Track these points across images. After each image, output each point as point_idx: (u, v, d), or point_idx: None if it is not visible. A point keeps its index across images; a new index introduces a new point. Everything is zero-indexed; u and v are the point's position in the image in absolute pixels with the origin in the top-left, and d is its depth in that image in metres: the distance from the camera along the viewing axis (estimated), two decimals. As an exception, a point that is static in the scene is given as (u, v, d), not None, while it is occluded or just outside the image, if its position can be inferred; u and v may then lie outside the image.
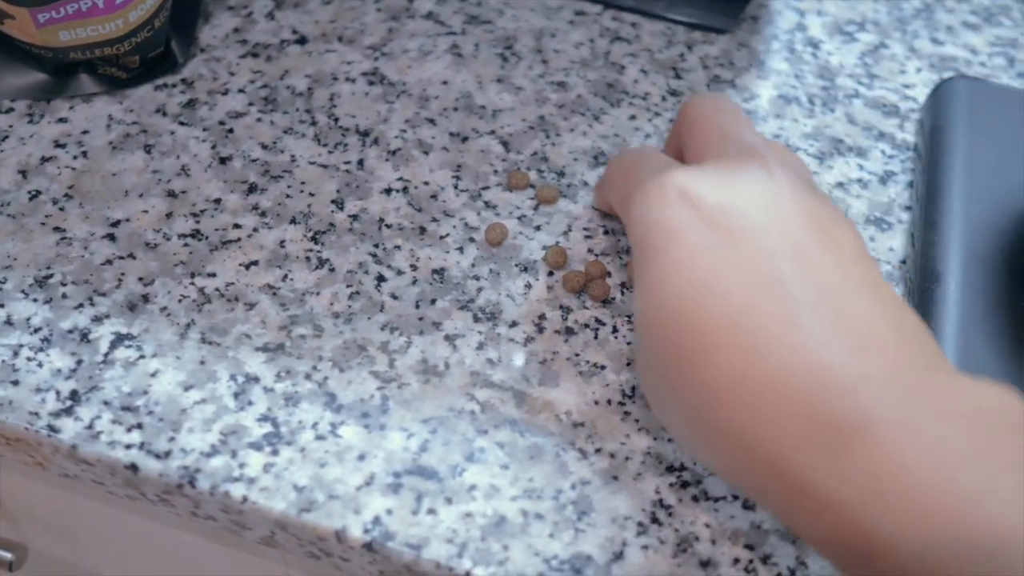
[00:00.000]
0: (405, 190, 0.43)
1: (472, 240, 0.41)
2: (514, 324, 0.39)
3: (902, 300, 0.30)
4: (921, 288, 0.40)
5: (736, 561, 0.34)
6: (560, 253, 0.40)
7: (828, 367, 0.28)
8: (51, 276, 0.39)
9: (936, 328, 0.38)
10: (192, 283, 0.39)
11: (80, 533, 0.49)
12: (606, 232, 0.42)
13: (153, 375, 0.36)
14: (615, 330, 0.39)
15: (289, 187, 0.42)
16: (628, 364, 0.38)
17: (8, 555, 0.43)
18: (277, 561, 0.44)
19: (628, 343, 0.39)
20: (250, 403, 0.36)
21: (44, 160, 0.43)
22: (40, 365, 0.36)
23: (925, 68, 0.51)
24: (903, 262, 0.43)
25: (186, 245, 0.40)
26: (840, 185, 0.45)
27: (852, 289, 0.29)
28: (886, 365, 0.28)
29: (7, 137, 0.43)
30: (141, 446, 0.35)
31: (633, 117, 0.46)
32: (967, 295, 0.39)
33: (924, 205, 0.43)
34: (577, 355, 0.38)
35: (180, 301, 0.38)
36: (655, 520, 0.34)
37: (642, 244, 0.32)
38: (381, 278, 0.40)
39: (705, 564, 0.33)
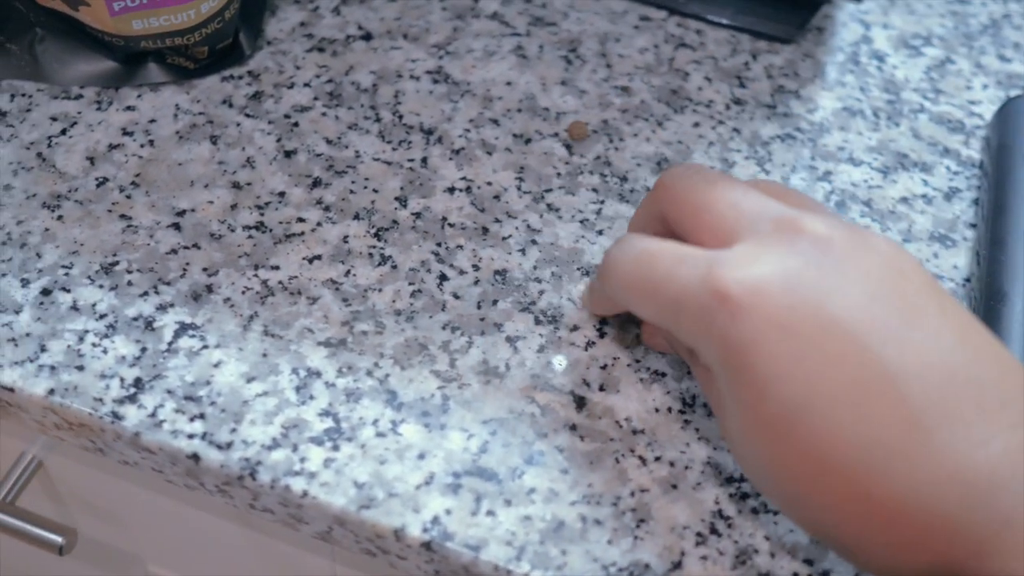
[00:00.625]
0: (468, 190, 0.43)
1: (534, 242, 0.41)
2: (575, 328, 0.39)
3: (980, 324, 0.29)
4: (987, 307, 0.40)
5: (795, 575, 0.33)
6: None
7: (960, 474, 0.26)
8: (117, 263, 0.39)
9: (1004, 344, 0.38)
10: (256, 275, 0.39)
11: (129, 520, 0.49)
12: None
13: (216, 366, 0.36)
14: (676, 338, 0.39)
15: (353, 183, 0.42)
16: (688, 372, 0.38)
17: (59, 539, 0.43)
18: (325, 557, 0.44)
19: (689, 352, 0.38)
20: (311, 397, 0.36)
21: (112, 147, 0.43)
22: (105, 351, 0.37)
23: (991, 85, 0.50)
24: (967, 280, 0.42)
25: (250, 237, 0.40)
26: (904, 200, 0.44)
27: (951, 349, 0.27)
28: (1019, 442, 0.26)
29: (76, 123, 0.44)
30: (203, 436, 0.35)
31: (697, 124, 0.46)
32: None
33: (990, 223, 0.43)
34: (638, 361, 0.38)
35: (244, 293, 0.39)
36: (714, 531, 0.34)
37: (721, 364, 0.29)
38: (443, 277, 0.40)
39: (764, 578, 0.33)
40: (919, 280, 0.29)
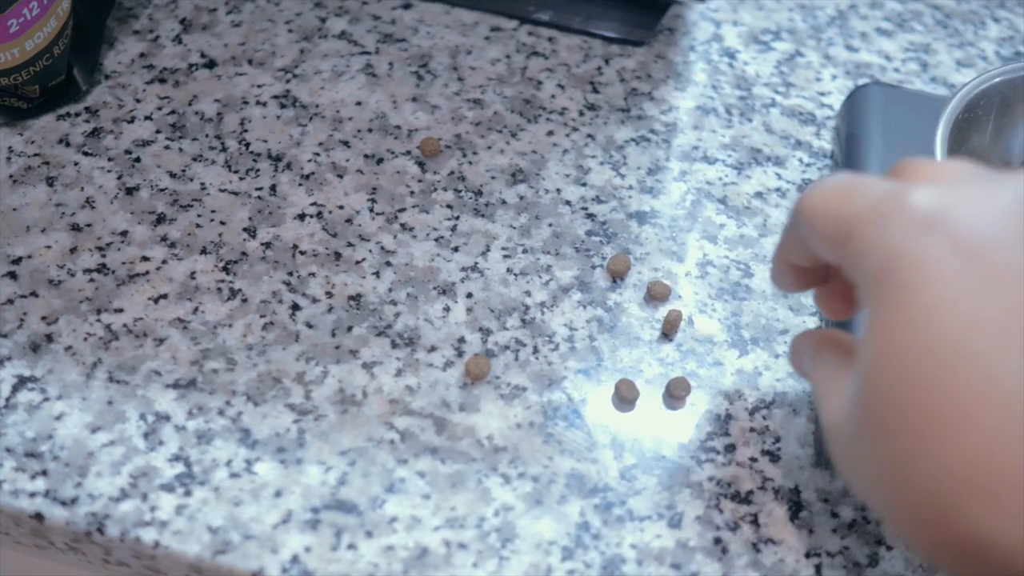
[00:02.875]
0: (319, 215, 0.42)
1: (389, 264, 0.40)
2: (433, 349, 0.38)
3: None
4: (840, 296, 0.40)
5: (663, 582, 0.33)
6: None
7: None
8: (-52, 318, 0.37)
9: (853, 332, 0.39)
10: (98, 320, 0.38)
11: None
12: (524, 251, 0.41)
13: (58, 418, 0.35)
14: (536, 350, 0.38)
15: (199, 216, 0.41)
16: (550, 385, 0.37)
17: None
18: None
19: (550, 363, 0.38)
20: (161, 443, 0.35)
21: (-60, 197, 0.41)
22: (-63, 413, 0.35)
23: (840, 75, 0.51)
24: (822, 270, 0.43)
25: (92, 280, 0.39)
26: (759, 195, 0.45)
27: None
28: None
29: (-99, 174, 0.42)
30: (46, 494, 0.33)
31: (551, 133, 0.46)
32: None
33: (841, 212, 0.43)
34: (498, 378, 0.37)
35: (86, 339, 0.37)
36: (580, 543, 0.34)
37: (879, 279, 0.25)
38: (296, 307, 0.39)
39: (632, 586, 0.33)
40: None
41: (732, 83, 0.50)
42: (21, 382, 0.36)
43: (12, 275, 0.39)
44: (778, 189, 0.45)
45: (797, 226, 0.30)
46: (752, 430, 0.37)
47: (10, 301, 0.38)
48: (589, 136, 0.46)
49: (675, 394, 0.37)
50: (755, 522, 0.35)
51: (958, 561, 0.24)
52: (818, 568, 0.34)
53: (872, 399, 0.25)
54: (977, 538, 0.23)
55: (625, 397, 0.37)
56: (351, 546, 0.33)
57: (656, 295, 0.40)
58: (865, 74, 0.51)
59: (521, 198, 0.43)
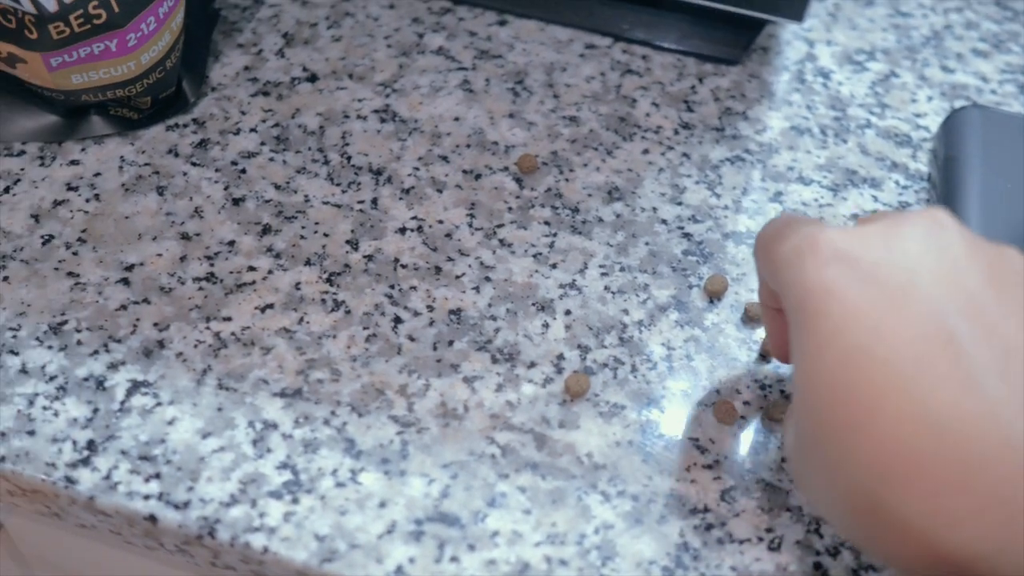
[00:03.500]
0: (420, 229, 0.42)
1: (488, 279, 0.41)
2: (533, 365, 0.38)
3: None
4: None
5: (763, 605, 0.33)
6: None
7: (1018, 440, 0.25)
8: (65, 323, 0.38)
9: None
10: (208, 328, 0.39)
11: (94, 577, 0.48)
12: (622, 269, 0.42)
13: (170, 423, 0.36)
14: (634, 369, 0.39)
15: (303, 228, 0.42)
16: (648, 404, 0.38)
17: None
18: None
19: (648, 382, 0.38)
20: (269, 450, 0.35)
21: (57, 204, 0.42)
22: (56, 414, 0.36)
23: (936, 96, 0.51)
24: (921, 295, 0.42)
25: (201, 289, 0.40)
26: (855, 217, 0.45)
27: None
28: None
29: (19, 181, 0.43)
30: (160, 496, 0.34)
31: (646, 151, 0.46)
32: None
33: (941, 237, 0.43)
34: (597, 395, 0.38)
35: (196, 346, 0.38)
36: (680, 564, 0.34)
37: (798, 308, 0.29)
38: (398, 319, 0.39)
39: (732, 609, 0.33)
40: (1018, 281, 0.29)
41: (826, 103, 0.50)
42: (135, 386, 0.37)
43: (126, 281, 0.40)
44: (875, 212, 0.45)
45: (756, 264, 0.34)
46: (851, 455, 0.37)
47: (123, 307, 0.39)
48: (684, 155, 0.46)
49: (774, 416, 0.37)
50: (855, 548, 0.35)
51: (895, 555, 0.26)
52: (920, 597, 0.34)
53: (803, 418, 0.28)
54: (901, 523, 0.26)
55: (724, 419, 0.37)
56: (454, 559, 0.33)
57: (754, 316, 0.40)
58: (961, 95, 0.51)
59: (617, 216, 0.44)
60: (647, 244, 0.43)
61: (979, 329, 0.27)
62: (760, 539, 0.35)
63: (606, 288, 0.41)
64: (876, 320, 0.27)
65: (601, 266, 0.42)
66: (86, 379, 0.37)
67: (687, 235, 0.43)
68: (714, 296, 0.41)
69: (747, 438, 0.37)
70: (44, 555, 0.48)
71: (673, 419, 0.37)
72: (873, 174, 0.47)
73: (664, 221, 0.44)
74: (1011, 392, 0.26)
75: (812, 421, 0.28)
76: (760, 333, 0.40)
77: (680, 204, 0.44)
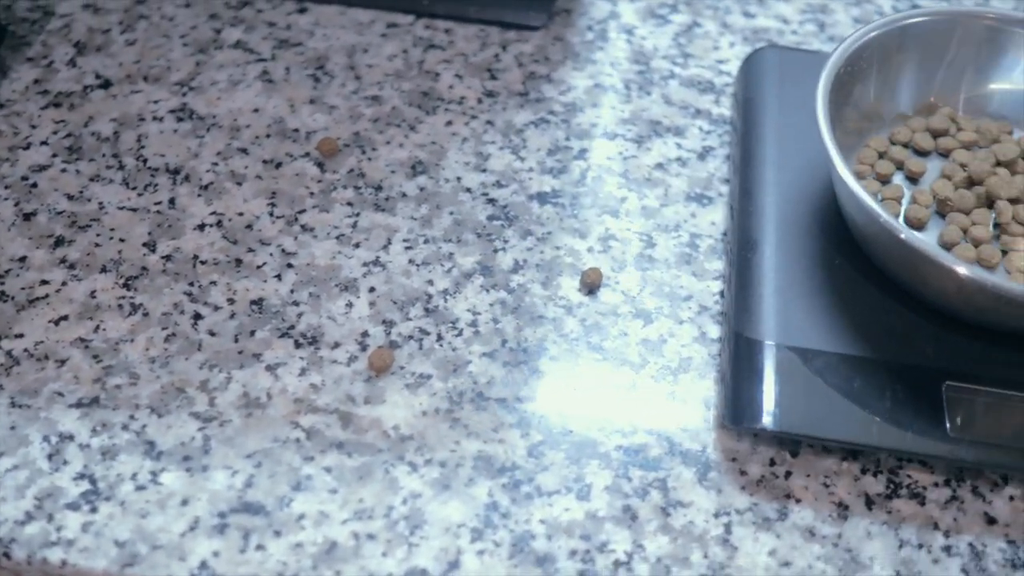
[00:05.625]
0: (219, 223, 0.42)
1: (290, 266, 0.40)
2: (337, 345, 0.38)
3: None
4: (740, 257, 0.41)
5: (573, 553, 0.33)
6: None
7: None
8: None
9: (755, 294, 0.39)
10: (-1, 346, 0.38)
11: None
12: (426, 241, 0.42)
13: (-40, 447, 0.35)
14: (440, 338, 0.39)
15: (98, 235, 0.41)
16: (455, 370, 0.38)
17: None
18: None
19: (454, 349, 0.38)
20: (65, 463, 0.35)
21: None
22: None
23: (739, 42, 0.52)
24: (724, 234, 0.43)
25: (-9, 308, 0.39)
26: (659, 166, 0.45)
27: None
28: None
29: None
30: (-50, 523, 0.33)
31: (450, 123, 0.46)
32: (783, 259, 0.40)
33: (740, 176, 0.44)
34: (402, 368, 0.38)
35: (-13, 367, 0.37)
36: (489, 523, 0.34)
37: None
38: (198, 316, 0.39)
39: (542, 560, 0.33)
40: None
41: (630, 59, 0.50)
42: (-78, 415, 0.36)
43: (-90, 310, 0.39)
44: (679, 159, 0.46)
45: None
46: (658, 397, 0.38)
47: (-91, 336, 0.38)
48: (488, 123, 0.46)
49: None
50: (664, 487, 0.35)
51: None
52: (727, 526, 0.34)
53: None
54: None
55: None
56: (259, 547, 0.33)
57: (592, 283, 0.40)
58: (763, 39, 0.52)
59: (421, 189, 0.43)
60: (451, 214, 0.43)
61: None
62: (569, 489, 0.35)
63: (410, 261, 0.41)
64: None
65: (405, 240, 0.42)
66: None
67: (492, 200, 0.43)
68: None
69: (555, 393, 0.37)
70: None
71: (480, 383, 0.37)
72: (677, 123, 0.47)
73: (468, 189, 0.44)
74: None
75: None
76: (567, 288, 0.40)
77: (484, 171, 0.44)
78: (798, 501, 0.35)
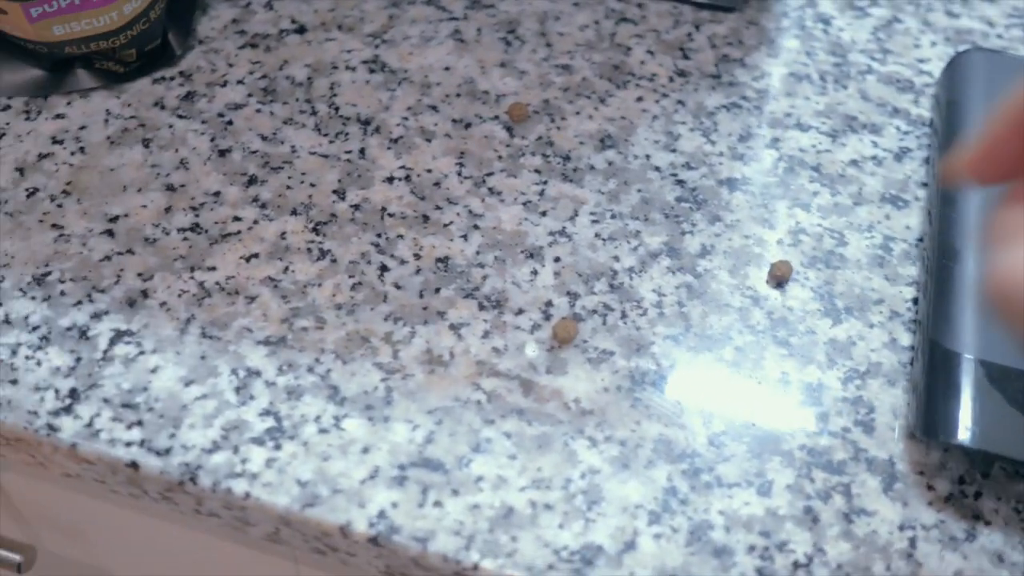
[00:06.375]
0: (408, 178, 0.42)
1: (476, 227, 0.40)
2: (520, 312, 0.38)
3: None
4: (939, 265, 0.39)
5: (752, 548, 0.33)
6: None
7: None
8: (49, 274, 0.38)
9: (955, 304, 0.37)
10: (192, 277, 0.38)
11: (89, 533, 0.48)
12: (613, 216, 0.41)
13: (153, 371, 0.36)
14: (624, 315, 0.38)
15: (289, 178, 0.42)
16: (638, 350, 0.37)
17: (16, 557, 0.43)
18: (287, 559, 0.44)
19: (638, 328, 0.38)
20: (252, 398, 0.35)
21: (42, 157, 0.42)
22: (39, 364, 0.36)
23: (940, 42, 0.49)
24: (920, 240, 0.41)
25: (185, 239, 0.39)
26: (854, 163, 0.44)
27: None
28: None
29: (4, 135, 0.43)
30: (141, 443, 0.34)
31: (640, 99, 0.45)
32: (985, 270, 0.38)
33: (941, 181, 0.42)
34: (585, 341, 0.37)
35: (180, 296, 0.38)
36: (667, 508, 0.33)
37: None
38: (384, 268, 0.39)
39: (720, 552, 0.32)
40: None
41: (826, 49, 0.48)
42: (118, 335, 0.37)
43: (109, 232, 0.40)
44: (874, 157, 0.44)
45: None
46: (845, 400, 0.36)
47: (107, 258, 0.39)
48: (679, 102, 0.45)
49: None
50: (847, 493, 0.34)
51: None
52: (912, 541, 0.33)
53: None
54: None
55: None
56: (437, 503, 0.33)
57: (781, 276, 0.39)
58: (966, 40, 0.49)
59: (610, 164, 0.43)
60: (639, 191, 0.42)
61: None
62: (749, 483, 0.34)
63: (596, 235, 0.40)
64: None
65: (592, 213, 0.41)
66: (69, 329, 0.37)
67: (680, 182, 0.42)
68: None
69: (738, 384, 0.36)
70: (40, 511, 0.48)
71: (663, 365, 0.37)
72: (873, 120, 0.46)
73: (657, 168, 0.43)
74: None
75: None
76: (755, 279, 0.39)
77: (674, 151, 0.43)
78: (987, 523, 0.34)
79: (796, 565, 0.32)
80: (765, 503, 0.34)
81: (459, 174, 0.42)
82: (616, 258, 0.40)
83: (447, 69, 0.46)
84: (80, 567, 0.53)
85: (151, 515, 0.44)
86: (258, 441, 0.34)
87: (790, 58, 0.48)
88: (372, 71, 0.46)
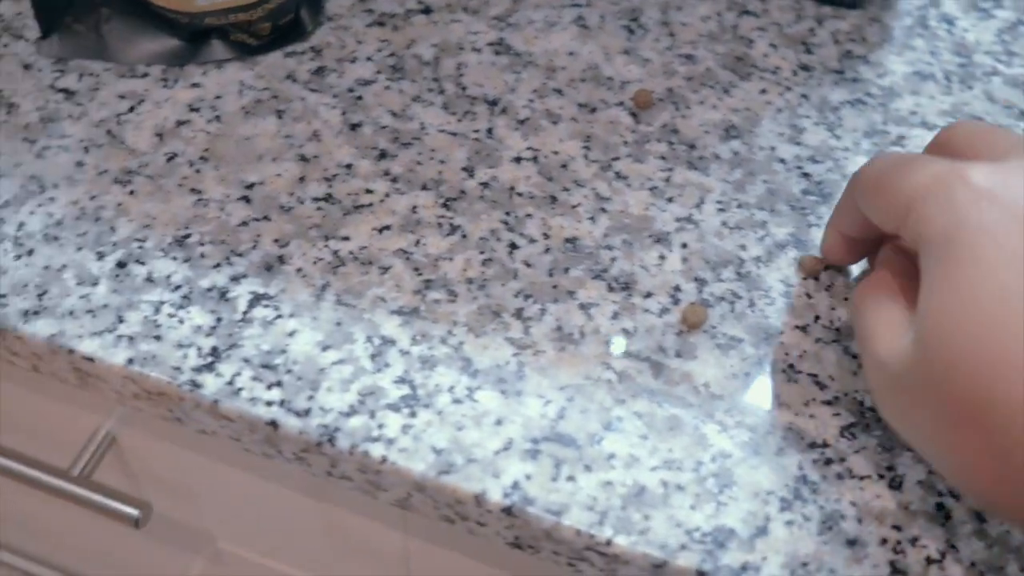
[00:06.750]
0: (535, 159, 0.42)
1: (604, 210, 0.41)
2: (649, 295, 0.38)
3: None
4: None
5: (884, 541, 0.33)
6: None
7: None
8: (189, 236, 0.39)
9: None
10: (326, 246, 0.39)
11: (200, 496, 0.50)
12: (739, 206, 0.41)
13: (291, 335, 0.36)
14: (752, 304, 0.38)
15: (419, 154, 0.42)
16: (767, 338, 0.37)
17: (135, 512, 0.44)
18: (397, 530, 0.44)
19: (766, 317, 0.38)
20: (387, 365, 0.36)
21: (179, 124, 0.43)
22: (181, 322, 0.37)
23: (1065, 47, 0.49)
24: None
25: (319, 209, 0.40)
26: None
27: None
28: None
29: (143, 101, 0.44)
30: (281, 403, 0.35)
31: (764, 91, 0.45)
32: None
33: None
34: (714, 327, 0.37)
35: (315, 263, 0.38)
36: (799, 496, 0.33)
37: (946, 242, 0.29)
38: (513, 245, 0.39)
39: (852, 543, 0.33)
40: None
41: (951, 50, 0.48)
42: (256, 299, 0.37)
43: (246, 199, 0.40)
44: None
45: (854, 198, 0.35)
46: (976, 398, 0.36)
47: (244, 223, 0.40)
48: (803, 96, 0.45)
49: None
50: (979, 490, 0.34)
51: (1018, 495, 0.27)
52: (1046, 542, 0.33)
53: (934, 345, 0.28)
54: None
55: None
56: (570, 478, 0.33)
57: (809, 270, 0.39)
58: (1093, 47, 0.49)
59: (735, 153, 0.43)
60: (765, 182, 0.42)
61: None
62: (881, 476, 0.34)
63: (723, 223, 0.40)
64: None
65: (718, 202, 0.41)
66: (209, 290, 0.38)
67: (806, 175, 0.42)
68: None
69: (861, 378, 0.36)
70: (154, 471, 0.49)
71: (792, 354, 0.37)
72: (1000, 121, 0.45)
73: (782, 160, 0.43)
74: None
75: (948, 352, 0.28)
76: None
77: (799, 144, 0.43)
78: (1121, 530, 0.33)
79: (929, 561, 0.32)
80: (897, 497, 0.34)
81: (585, 157, 0.42)
82: (743, 247, 0.40)
83: (571, 54, 0.46)
84: (187, 531, 0.54)
85: (265, 478, 0.45)
86: (394, 408, 0.35)
87: (914, 57, 0.48)
88: (498, 53, 0.46)
